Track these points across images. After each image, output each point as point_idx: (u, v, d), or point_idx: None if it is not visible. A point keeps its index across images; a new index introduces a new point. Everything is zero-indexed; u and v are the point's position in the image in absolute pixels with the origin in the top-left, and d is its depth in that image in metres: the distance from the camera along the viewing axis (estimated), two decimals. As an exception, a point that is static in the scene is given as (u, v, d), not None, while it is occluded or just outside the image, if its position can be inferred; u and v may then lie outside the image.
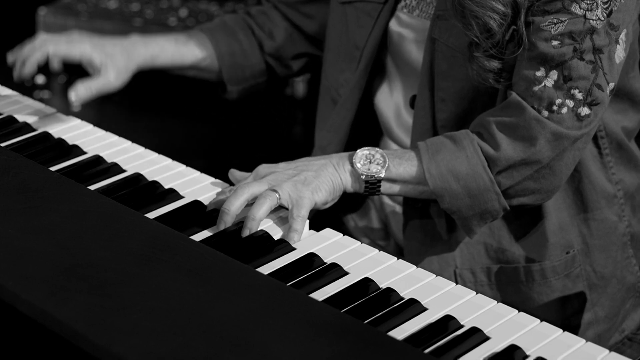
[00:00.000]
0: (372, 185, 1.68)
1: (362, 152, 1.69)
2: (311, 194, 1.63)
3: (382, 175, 1.68)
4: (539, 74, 1.66)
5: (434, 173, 1.67)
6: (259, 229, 1.60)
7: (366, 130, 1.92)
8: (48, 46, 1.83)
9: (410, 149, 1.73)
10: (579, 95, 1.66)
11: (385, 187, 1.70)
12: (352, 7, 1.88)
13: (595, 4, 1.63)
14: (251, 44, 2.02)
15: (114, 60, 1.85)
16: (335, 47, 1.93)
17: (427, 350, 1.33)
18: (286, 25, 2.03)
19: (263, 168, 1.69)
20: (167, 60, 1.96)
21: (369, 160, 1.68)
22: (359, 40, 1.87)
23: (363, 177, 1.67)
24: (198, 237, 1.58)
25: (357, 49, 1.88)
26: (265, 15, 2.05)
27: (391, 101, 1.88)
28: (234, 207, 1.60)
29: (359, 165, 1.68)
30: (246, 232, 1.58)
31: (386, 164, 1.68)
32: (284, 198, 1.61)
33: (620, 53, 1.67)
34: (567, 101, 1.66)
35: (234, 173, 1.73)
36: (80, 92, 1.80)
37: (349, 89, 1.88)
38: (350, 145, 1.89)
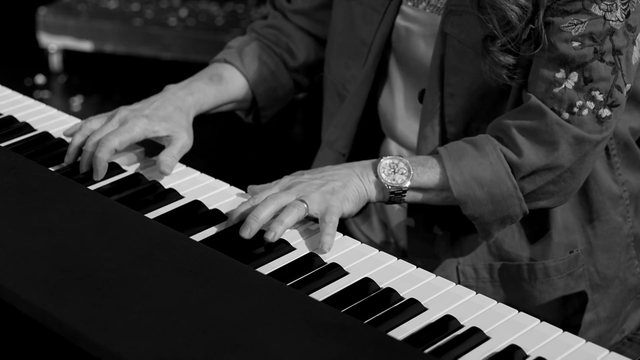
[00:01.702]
0: (398, 196, 1.68)
1: (385, 162, 1.67)
2: (340, 203, 1.62)
3: (407, 185, 1.67)
4: (559, 75, 1.65)
5: (458, 180, 1.67)
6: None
7: (373, 125, 1.91)
8: (112, 142, 1.72)
9: (432, 156, 1.71)
10: (600, 97, 1.65)
11: (409, 196, 1.69)
12: (357, 3, 1.87)
13: (614, 4, 1.62)
14: (276, 64, 1.99)
15: (177, 122, 1.80)
16: (340, 42, 1.92)
17: (427, 350, 1.33)
18: (301, 35, 2.01)
19: (287, 179, 1.68)
20: (211, 103, 1.91)
21: (393, 170, 1.67)
22: (365, 36, 1.86)
23: (389, 188, 1.66)
24: (198, 237, 1.58)
25: (364, 45, 1.87)
26: (276, 29, 2.01)
27: (393, 99, 1.87)
28: (263, 214, 1.58)
29: (383, 175, 1.67)
30: (271, 235, 1.56)
31: (411, 173, 1.67)
32: (312, 208, 1.60)
33: (636, 54, 1.67)
34: (588, 103, 1.65)
35: (254, 187, 1.70)
36: (169, 163, 1.75)
37: (356, 85, 1.87)
38: (357, 140, 1.88)
